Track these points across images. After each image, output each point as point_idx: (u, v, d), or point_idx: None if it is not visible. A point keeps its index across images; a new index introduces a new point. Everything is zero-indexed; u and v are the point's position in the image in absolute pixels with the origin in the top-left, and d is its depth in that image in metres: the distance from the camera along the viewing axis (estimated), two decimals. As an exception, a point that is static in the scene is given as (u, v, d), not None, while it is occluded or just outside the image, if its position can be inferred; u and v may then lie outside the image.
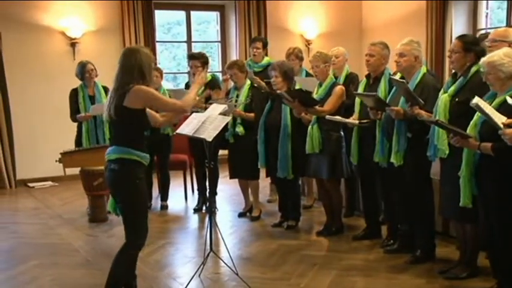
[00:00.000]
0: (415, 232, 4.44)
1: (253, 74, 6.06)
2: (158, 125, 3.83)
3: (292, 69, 5.34)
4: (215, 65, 9.43)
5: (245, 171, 5.66)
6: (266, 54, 6.62)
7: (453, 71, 4.02)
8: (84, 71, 5.90)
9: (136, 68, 3.35)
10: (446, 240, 4.76)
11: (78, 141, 5.96)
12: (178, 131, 4.62)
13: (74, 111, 5.96)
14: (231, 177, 5.87)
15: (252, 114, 5.53)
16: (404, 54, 4.28)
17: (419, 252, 4.40)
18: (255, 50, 6.44)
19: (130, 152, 3.38)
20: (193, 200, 6.69)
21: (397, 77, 4.35)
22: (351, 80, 5.56)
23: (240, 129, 5.56)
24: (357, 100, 4.80)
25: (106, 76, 5.08)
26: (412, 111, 4.08)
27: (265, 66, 6.24)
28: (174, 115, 3.80)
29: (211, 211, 4.56)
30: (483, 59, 3.51)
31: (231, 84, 6.00)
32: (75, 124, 6.05)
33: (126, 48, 3.54)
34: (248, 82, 5.70)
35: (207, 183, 6.00)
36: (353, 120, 4.75)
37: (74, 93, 6.01)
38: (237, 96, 5.68)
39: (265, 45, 6.51)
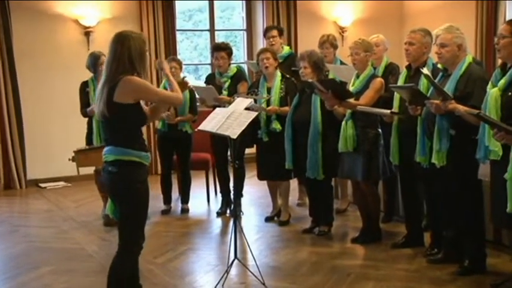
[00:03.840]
0: (463, 240, 4.38)
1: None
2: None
3: (322, 60, 5.31)
4: (240, 55, 9.44)
5: (277, 171, 5.64)
6: (286, 44, 6.55)
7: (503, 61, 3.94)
8: (97, 64, 5.94)
9: (126, 56, 3.26)
10: (498, 250, 4.69)
11: (89, 139, 6.03)
12: (200, 127, 4.65)
13: (84, 104, 6.03)
14: (260, 178, 5.88)
15: (287, 108, 5.50)
16: (446, 44, 4.22)
17: (467, 262, 4.34)
18: (271, 39, 6.30)
19: (128, 153, 3.32)
20: (216, 203, 6.72)
21: (425, 70, 4.28)
22: (391, 71, 5.52)
23: (277, 126, 5.53)
24: (396, 94, 4.76)
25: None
26: (446, 107, 4.03)
27: (286, 57, 6.22)
28: (161, 109, 3.73)
29: (236, 215, 4.58)
30: None
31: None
32: (86, 120, 6.12)
33: (115, 34, 3.36)
34: (279, 73, 5.69)
35: (231, 185, 6.02)
36: (385, 110, 4.70)
37: (84, 86, 6.08)
38: (269, 89, 5.67)
39: (281, 33, 6.42)
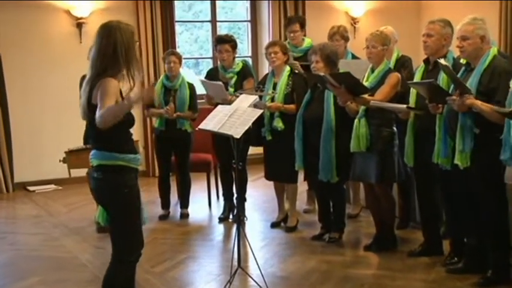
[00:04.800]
0: (486, 248, 4.36)
1: (292, 59, 6.04)
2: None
3: (336, 53, 5.30)
4: (244, 48, 9.43)
5: (283, 172, 5.64)
6: (304, 35, 6.56)
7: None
8: None
9: (111, 50, 3.19)
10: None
11: (87, 138, 6.03)
12: (201, 126, 4.65)
13: None
14: (267, 178, 5.89)
15: (293, 106, 5.50)
16: (467, 36, 4.20)
17: (490, 272, 4.32)
18: (292, 34, 6.35)
19: (113, 157, 3.28)
20: (218, 208, 6.72)
21: (443, 61, 4.26)
22: (402, 64, 5.54)
23: (279, 124, 5.54)
24: (413, 89, 4.74)
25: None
26: (463, 102, 4.01)
27: (306, 51, 6.20)
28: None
29: (240, 220, 4.57)
30: None
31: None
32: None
33: (100, 26, 3.28)
34: (288, 68, 5.68)
35: (234, 188, 6.01)
36: (400, 105, 4.68)
37: (83, 80, 6.07)
38: (275, 85, 5.66)
39: (303, 25, 6.44)
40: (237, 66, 6.05)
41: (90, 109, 3.24)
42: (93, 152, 3.36)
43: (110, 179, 3.31)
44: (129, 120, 3.34)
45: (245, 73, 6.02)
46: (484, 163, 4.16)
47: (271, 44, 5.78)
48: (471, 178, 4.24)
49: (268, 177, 5.89)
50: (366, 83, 4.97)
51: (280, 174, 5.72)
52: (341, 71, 5.29)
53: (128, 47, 3.24)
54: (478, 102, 3.99)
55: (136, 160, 3.37)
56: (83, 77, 6.04)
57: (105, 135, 3.25)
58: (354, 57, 6.06)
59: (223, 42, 5.99)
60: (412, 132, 4.78)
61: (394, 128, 4.95)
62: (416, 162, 4.81)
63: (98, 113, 3.13)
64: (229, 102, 5.56)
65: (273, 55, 5.64)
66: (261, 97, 5.38)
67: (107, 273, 3.44)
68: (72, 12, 8.09)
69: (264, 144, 5.80)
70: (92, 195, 5.87)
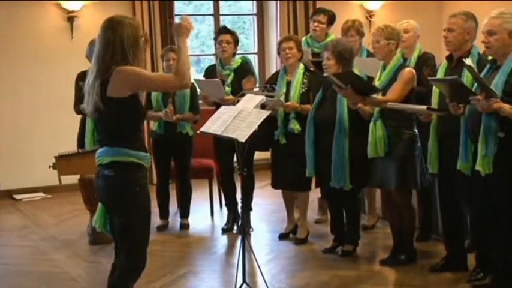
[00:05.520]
0: (512, 262, 4.36)
1: (310, 55, 6.03)
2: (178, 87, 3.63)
3: (349, 50, 5.30)
4: (249, 44, 9.45)
5: (295, 180, 5.64)
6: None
7: None
8: None
9: (118, 45, 3.33)
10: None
11: (81, 141, 6.05)
12: (202, 129, 4.66)
13: (79, 99, 6.04)
14: (274, 187, 5.89)
15: (309, 107, 5.51)
16: (494, 31, 4.20)
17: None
18: (315, 24, 6.34)
19: (126, 153, 3.40)
20: (221, 218, 6.73)
21: (468, 61, 4.26)
22: (425, 62, 5.52)
23: (295, 126, 5.54)
24: (435, 88, 4.74)
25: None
26: (489, 106, 4.01)
27: None
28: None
29: (245, 232, 4.57)
30: None
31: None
32: (78, 119, 6.15)
33: (106, 20, 3.44)
34: (302, 65, 5.70)
35: (239, 196, 6.02)
36: (420, 106, 4.68)
37: (80, 78, 6.08)
38: (288, 84, 5.67)
39: (331, 20, 6.41)
40: (235, 62, 6.05)
41: (105, 103, 3.35)
42: (103, 149, 3.45)
43: (122, 176, 3.41)
44: (140, 114, 3.50)
45: (243, 71, 6.02)
46: (508, 170, 4.16)
47: (286, 39, 5.78)
48: (495, 186, 4.24)
49: (276, 185, 5.88)
50: (377, 82, 4.98)
51: (291, 182, 5.71)
52: (355, 69, 5.30)
53: (134, 42, 3.38)
54: (507, 106, 3.98)
55: (148, 158, 3.49)
56: (80, 74, 6.13)
57: (118, 131, 3.40)
58: (369, 54, 6.06)
59: (225, 32, 6.00)
60: (436, 136, 4.78)
61: (415, 130, 4.95)
62: (439, 168, 4.81)
63: (171, 78, 3.44)
64: (227, 103, 5.58)
65: (287, 51, 5.64)
66: (269, 97, 5.38)
67: (113, 284, 3.48)
68: (63, 5, 8.12)
69: (274, 149, 5.81)
70: (84, 204, 6.01)
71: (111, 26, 3.37)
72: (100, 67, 3.37)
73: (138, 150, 3.43)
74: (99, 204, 3.55)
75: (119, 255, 3.55)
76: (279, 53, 5.79)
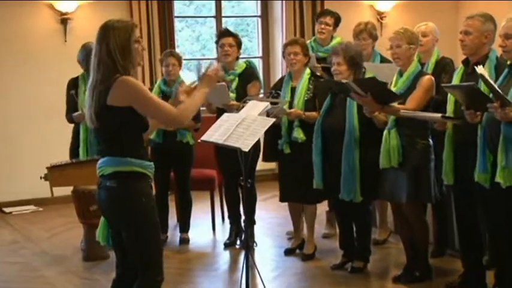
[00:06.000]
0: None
1: (315, 61, 6.04)
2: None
3: (361, 54, 5.32)
4: (253, 47, 9.47)
5: (301, 192, 5.64)
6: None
7: None
8: (90, 57, 5.97)
9: (106, 51, 3.36)
10: None
11: (74, 151, 6.06)
12: (204, 137, 4.66)
13: (71, 108, 6.06)
14: (281, 200, 5.89)
15: (315, 114, 5.51)
16: (511, 34, 4.20)
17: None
18: (322, 26, 6.35)
19: (130, 163, 3.42)
20: (223, 232, 6.73)
21: (484, 71, 4.24)
22: (443, 68, 5.50)
23: (300, 135, 5.54)
24: (450, 95, 4.74)
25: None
26: (506, 114, 4.01)
27: None
28: (158, 124, 3.77)
29: (248, 246, 4.57)
30: None
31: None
32: (71, 128, 6.15)
33: (100, 26, 3.47)
34: (308, 71, 5.70)
35: (242, 209, 6.02)
36: (434, 114, 4.68)
37: (72, 85, 6.10)
38: (293, 90, 5.67)
39: (337, 23, 6.43)
40: (239, 67, 6.07)
41: (106, 111, 3.36)
42: (104, 159, 3.47)
43: (126, 186, 3.43)
44: (143, 124, 3.49)
45: (248, 76, 6.03)
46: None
47: (292, 43, 5.77)
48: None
49: (283, 198, 5.87)
50: (393, 89, 4.97)
51: (298, 194, 5.70)
52: (368, 75, 5.30)
53: (123, 48, 3.37)
54: None
55: (152, 167, 3.51)
56: (71, 81, 6.14)
57: (120, 140, 3.42)
58: (382, 59, 6.06)
59: (227, 35, 6.01)
60: (451, 146, 4.77)
61: (430, 140, 4.95)
62: (455, 180, 4.80)
63: (169, 113, 3.43)
64: (231, 108, 5.59)
65: (292, 56, 5.65)
66: (274, 103, 5.39)
67: None
68: (56, 6, 8.14)
69: (280, 160, 5.81)
70: (78, 217, 6.01)
71: (100, 34, 3.40)
72: (96, 77, 3.39)
73: (141, 159, 3.46)
74: (102, 218, 3.56)
75: (121, 269, 3.60)
76: (284, 57, 5.79)
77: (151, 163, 3.52)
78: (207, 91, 3.60)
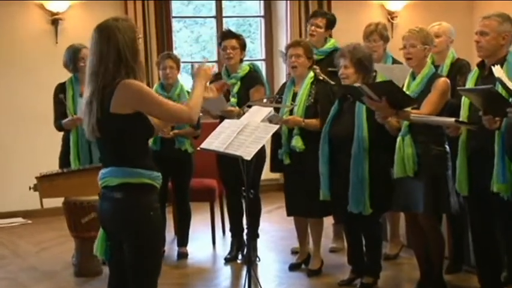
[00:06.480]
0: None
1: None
2: None
3: (369, 57, 5.31)
4: (256, 49, 9.48)
5: (306, 205, 5.62)
6: (330, 36, 6.59)
7: None
8: (77, 59, 5.99)
9: (115, 55, 3.32)
10: None
11: (64, 160, 6.05)
12: (203, 145, 4.66)
13: (59, 114, 6.05)
14: (288, 214, 5.89)
15: (315, 121, 5.51)
16: None
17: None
18: (313, 28, 6.36)
19: (139, 174, 3.40)
20: (224, 245, 6.73)
21: (502, 73, 4.24)
22: (459, 70, 5.50)
23: (298, 144, 5.52)
24: (465, 99, 4.74)
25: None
26: None
27: (328, 53, 6.24)
28: (167, 124, 3.78)
29: (251, 261, 4.56)
30: None
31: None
32: (60, 136, 6.15)
33: (96, 29, 3.40)
34: (311, 74, 5.70)
35: (244, 221, 6.01)
36: (447, 119, 4.68)
37: (59, 90, 6.10)
38: (294, 95, 5.68)
39: (330, 24, 6.44)
40: (242, 70, 6.06)
41: (109, 120, 3.33)
42: (108, 170, 3.44)
43: (134, 199, 3.41)
44: (149, 130, 3.48)
45: (251, 79, 6.02)
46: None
47: (293, 44, 5.76)
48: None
49: (290, 212, 5.86)
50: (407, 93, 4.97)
51: (302, 207, 5.68)
52: (380, 78, 5.29)
53: (132, 49, 3.36)
54: None
55: (160, 179, 3.51)
56: (59, 86, 6.15)
57: (126, 150, 3.40)
58: (394, 61, 6.06)
59: (230, 37, 6.02)
60: (465, 153, 4.76)
61: (447, 146, 4.95)
62: (470, 190, 4.80)
63: (181, 110, 3.44)
64: (231, 115, 5.58)
65: (293, 59, 5.62)
66: (277, 109, 5.38)
67: None
68: (47, 6, 8.16)
69: (283, 171, 5.81)
70: (69, 230, 6.00)
71: (105, 36, 3.34)
72: (97, 84, 3.34)
73: (150, 169, 3.44)
74: (100, 230, 3.54)
75: (114, 285, 3.58)
76: (284, 61, 5.77)
77: (160, 174, 3.50)
78: (204, 83, 3.59)
